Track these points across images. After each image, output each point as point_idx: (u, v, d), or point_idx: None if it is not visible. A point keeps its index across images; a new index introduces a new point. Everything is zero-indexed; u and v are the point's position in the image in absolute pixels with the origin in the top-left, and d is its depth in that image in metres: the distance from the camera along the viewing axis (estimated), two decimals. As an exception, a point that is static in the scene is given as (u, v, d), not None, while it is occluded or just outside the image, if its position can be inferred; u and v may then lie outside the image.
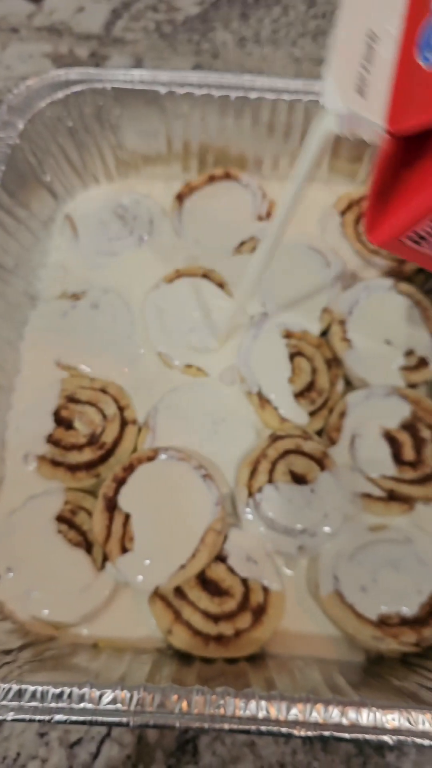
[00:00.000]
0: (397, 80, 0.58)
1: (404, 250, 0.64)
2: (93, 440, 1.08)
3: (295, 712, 0.76)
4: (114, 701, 0.76)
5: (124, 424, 1.10)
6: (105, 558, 0.98)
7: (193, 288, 1.23)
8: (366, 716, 0.76)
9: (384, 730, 0.75)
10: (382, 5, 0.62)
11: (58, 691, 0.76)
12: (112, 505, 0.99)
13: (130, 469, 1.01)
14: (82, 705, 0.76)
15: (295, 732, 0.75)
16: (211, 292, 1.23)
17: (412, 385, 1.14)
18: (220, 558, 0.99)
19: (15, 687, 0.77)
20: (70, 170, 1.33)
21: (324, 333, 1.21)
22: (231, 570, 0.98)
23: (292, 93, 1.23)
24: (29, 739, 0.97)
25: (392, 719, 0.76)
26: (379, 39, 0.60)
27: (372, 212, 0.65)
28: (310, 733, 0.75)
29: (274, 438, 1.06)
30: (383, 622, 0.94)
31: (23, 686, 0.77)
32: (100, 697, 0.76)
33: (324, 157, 0.73)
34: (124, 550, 0.96)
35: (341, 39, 0.61)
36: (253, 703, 0.76)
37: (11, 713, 0.76)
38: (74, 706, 0.76)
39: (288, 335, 1.17)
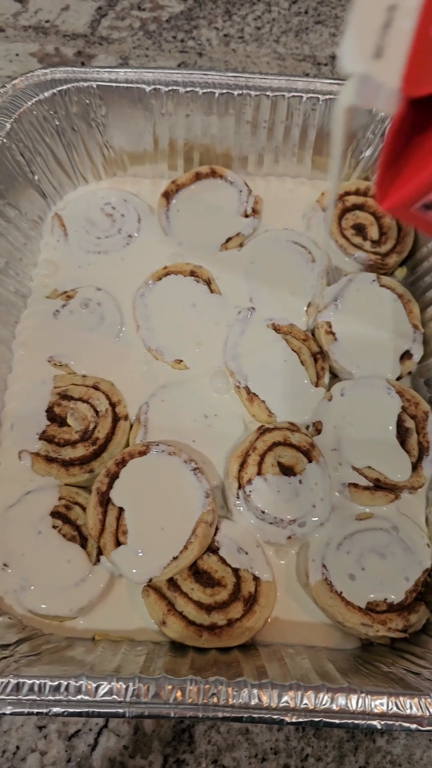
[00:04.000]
0: (413, 50, 0.59)
1: (412, 217, 0.65)
2: (86, 436, 1.10)
3: (287, 699, 0.77)
4: (110, 692, 0.78)
5: (116, 419, 1.12)
6: (99, 552, 1.00)
7: (181, 284, 1.24)
8: (355, 702, 0.77)
9: (373, 715, 0.77)
10: None
11: (55, 683, 0.78)
12: (105, 500, 1.00)
13: (122, 463, 1.03)
14: (79, 697, 0.77)
15: (287, 718, 0.76)
16: (198, 289, 1.24)
17: (397, 377, 1.15)
18: (212, 549, 1.01)
19: (13, 681, 0.78)
20: (59, 169, 1.34)
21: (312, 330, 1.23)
22: (223, 561, 1.00)
23: (276, 90, 1.25)
24: (28, 733, 0.98)
25: (381, 704, 0.77)
26: (398, 10, 0.61)
27: (383, 179, 0.66)
28: (301, 719, 0.76)
29: (263, 430, 1.08)
30: (371, 609, 0.96)
31: (21, 680, 0.79)
32: (97, 688, 0.78)
33: (350, 126, 0.78)
34: (118, 543, 0.97)
35: (361, 6, 0.64)
36: (245, 692, 0.78)
37: (9, 707, 0.77)
38: (71, 698, 0.77)
39: (275, 329, 1.19)
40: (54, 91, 1.24)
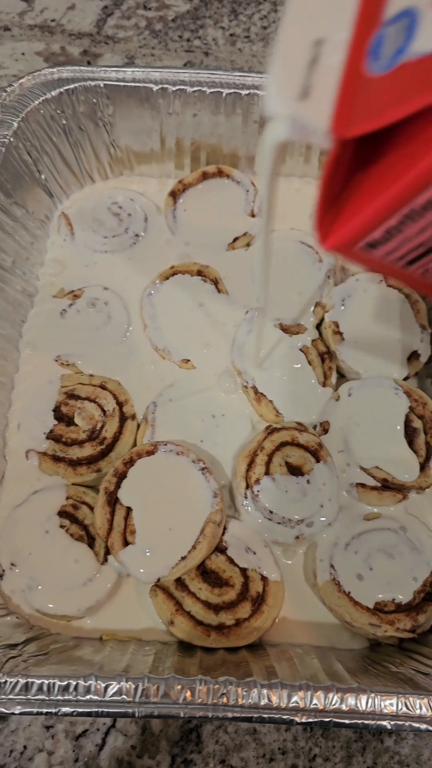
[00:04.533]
0: (343, 87, 0.54)
1: (356, 256, 0.61)
2: (93, 436, 1.10)
3: (296, 700, 0.77)
4: (119, 692, 0.78)
5: (123, 419, 1.12)
6: (107, 551, 1.00)
7: (188, 284, 1.24)
8: (365, 702, 0.77)
9: (382, 716, 0.77)
10: (330, 12, 0.58)
11: (64, 683, 0.78)
12: (113, 499, 1.00)
13: (130, 463, 1.03)
14: (87, 697, 0.77)
15: (296, 719, 0.76)
16: (205, 288, 1.24)
17: (404, 377, 1.15)
18: (220, 549, 1.01)
19: (22, 681, 0.79)
20: (65, 168, 1.34)
21: (317, 326, 1.23)
22: (230, 561, 1.00)
23: (283, 90, 1.24)
24: (36, 732, 0.98)
25: (390, 705, 0.77)
26: (325, 46, 0.56)
27: (322, 218, 0.60)
28: (311, 720, 0.76)
29: (270, 430, 1.08)
30: (379, 610, 0.96)
31: (30, 680, 0.79)
32: (106, 688, 0.78)
33: (281, 161, 0.70)
34: (125, 543, 0.97)
35: (285, 44, 0.58)
36: (254, 692, 0.78)
37: (19, 707, 0.77)
38: (80, 698, 0.77)
39: (282, 329, 1.19)
40: (61, 90, 1.24)
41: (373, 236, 0.57)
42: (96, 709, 0.77)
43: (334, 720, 0.77)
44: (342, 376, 1.20)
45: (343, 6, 0.58)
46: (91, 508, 1.04)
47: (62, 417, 1.12)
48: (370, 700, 0.78)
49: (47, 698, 0.77)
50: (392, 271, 0.63)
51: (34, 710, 0.77)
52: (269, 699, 0.78)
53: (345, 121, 0.52)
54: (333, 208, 0.60)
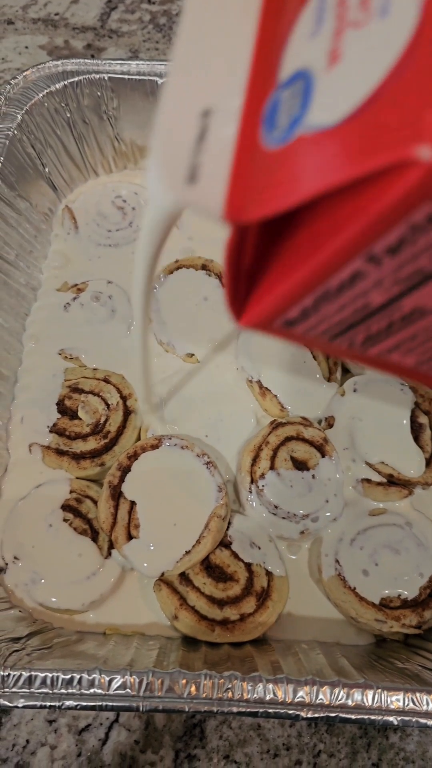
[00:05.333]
0: (236, 164, 0.46)
1: (276, 332, 0.54)
2: (97, 429, 1.09)
3: (302, 695, 0.77)
4: (123, 686, 0.77)
5: (127, 413, 1.11)
6: (111, 545, 0.99)
7: (192, 278, 1.24)
8: (371, 697, 0.77)
9: (389, 711, 0.76)
10: (219, 74, 0.49)
11: (67, 677, 0.77)
12: (117, 493, 1.00)
13: (134, 457, 1.02)
14: (91, 690, 0.77)
15: (302, 714, 0.76)
16: (210, 282, 1.23)
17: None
18: (224, 544, 1.00)
19: (25, 674, 0.78)
20: (69, 162, 1.34)
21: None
22: (235, 555, 0.99)
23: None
24: (38, 727, 0.98)
25: (397, 700, 0.77)
26: (214, 115, 0.48)
27: (232, 295, 0.53)
28: (316, 715, 0.76)
29: (275, 425, 1.07)
30: (385, 605, 0.95)
31: (33, 673, 0.78)
32: (110, 682, 0.77)
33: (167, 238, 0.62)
34: (129, 537, 0.97)
35: (168, 117, 0.49)
36: (260, 686, 0.77)
37: (22, 700, 0.76)
38: (84, 691, 0.77)
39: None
40: (65, 82, 1.24)
41: (288, 316, 0.50)
42: (100, 703, 0.76)
43: (340, 715, 0.76)
44: (347, 371, 1.19)
45: (234, 65, 0.50)
46: (95, 502, 1.03)
47: (66, 410, 1.12)
48: (376, 696, 0.77)
49: (51, 692, 0.77)
50: (317, 345, 0.57)
51: (38, 704, 0.76)
52: (275, 694, 0.77)
53: (239, 204, 0.45)
54: (244, 283, 0.53)
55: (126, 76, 1.25)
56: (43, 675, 0.78)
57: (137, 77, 1.25)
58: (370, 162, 0.34)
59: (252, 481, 1.03)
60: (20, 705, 0.76)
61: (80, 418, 1.10)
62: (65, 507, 1.02)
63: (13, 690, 0.77)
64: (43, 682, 0.77)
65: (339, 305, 0.47)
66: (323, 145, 0.37)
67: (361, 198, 0.37)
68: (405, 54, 0.35)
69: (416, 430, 1.07)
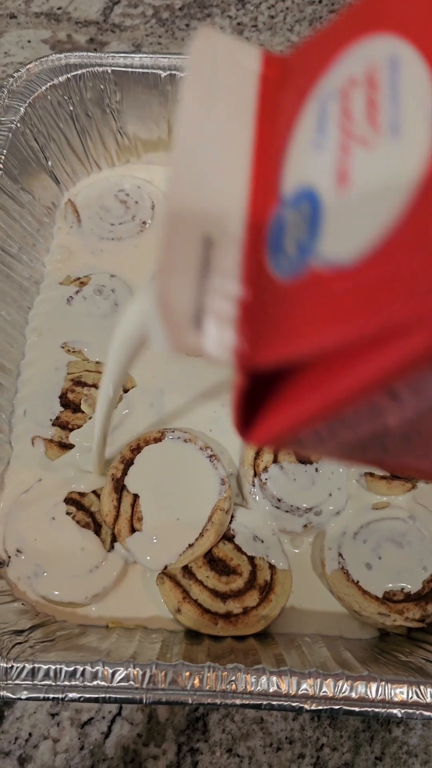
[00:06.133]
0: (246, 296, 0.41)
1: (286, 447, 0.50)
2: (99, 423, 1.09)
3: (306, 687, 0.77)
4: (126, 678, 0.77)
5: (130, 406, 1.11)
6: (113, 538, 0.99)
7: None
8: (375, 690, 0.77)
9: (393, 704, 0.76)
10: (216, 188, 0.44)
11: (71, 669, 0.77)
12: (120, 486, 0.99)
13: (137, 450, 1.02)
14: (95, 683, 0.77)
15: (306, 706, 0.76)
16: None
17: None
18: (227, 537, 1.00)
19: (28, 666, 0.78)
20: (72, 155, 1.34)
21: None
22: (238, 549, 0.99)
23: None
24: (41, 720, 0.97)
25: (401, 693, 0.77)
26: (216, 243, 0.42)
27: (240, 416, 0.47)
28: (320, 707, 0.76)
29: (279, 419, 1.07)
30: (388, 599, 0.95)
31: (36, 665, 0.78)
32: (113, 674, 0.77)
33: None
34: (132, 530, 0.97)
35: (168, 256, 0.41)
36: (264, 679, 0.77)
37: (25, 692, 0.76)
38: (87, 684, 0.77)
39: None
40: (68, 76, 1.24)
41: (299, 436, 0.46)
42: (103, 695, 0.76)
43: (344, 708, 0.76)
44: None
45: (232, 172, 0.45)
46: (98, 495, 1.03)
47: (68, 404, 1.11)
48: (380, 688, 0.77)
49: (54, 684, 0.77)
50: (330, 457, 0.55)
51: (41, 696, 0.76)
52: (278, 686, 0.77)
53: (248, 348, 0.40)
54: (254, 399, 0.47)
55: (129, 69, 1.24)
56: (46, 667, 0.78)
57: (140, 70, 1.25)
58: (399, 314, 0.31)
59: (255, 475, 1.03)
60: (23, 697, 0.76)
61: (83, 412, 1.10)
62: (68, 500, 1.02)
63: (17, 682, 0.77)
64: (46, 674, 0.77)
65: (354, 431, 0.43)
66: (344, 288, 0.35)
67: (384, 338, 0.33)
68: (423, 183, 0.33)
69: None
